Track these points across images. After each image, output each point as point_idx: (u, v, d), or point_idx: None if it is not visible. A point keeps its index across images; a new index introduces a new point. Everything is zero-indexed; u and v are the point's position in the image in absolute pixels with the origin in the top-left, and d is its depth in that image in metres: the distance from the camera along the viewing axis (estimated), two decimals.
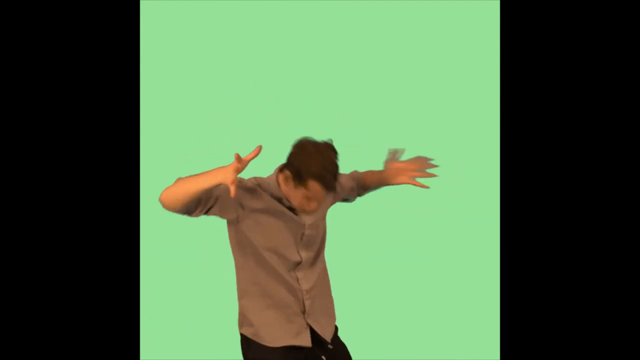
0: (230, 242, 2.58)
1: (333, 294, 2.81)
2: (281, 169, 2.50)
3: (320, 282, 2.67)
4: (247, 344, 2.60)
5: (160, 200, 2.37)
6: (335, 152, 2.46)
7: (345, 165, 4.60)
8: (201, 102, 4.46)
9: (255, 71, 4.47)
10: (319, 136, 2.54)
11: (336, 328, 2.77)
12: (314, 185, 2.42)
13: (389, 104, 4.58)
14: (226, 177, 2.24)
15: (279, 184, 2.49)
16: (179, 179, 2.38)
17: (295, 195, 2.46)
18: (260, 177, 2.55)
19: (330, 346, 2.64)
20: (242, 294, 2.60)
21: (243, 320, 2.61)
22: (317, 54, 4.51)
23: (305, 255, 2.58)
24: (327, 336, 2.65)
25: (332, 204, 2.73)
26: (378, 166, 4.53)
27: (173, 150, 4.39)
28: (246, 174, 2.57)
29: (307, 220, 2.56)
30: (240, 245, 2.54)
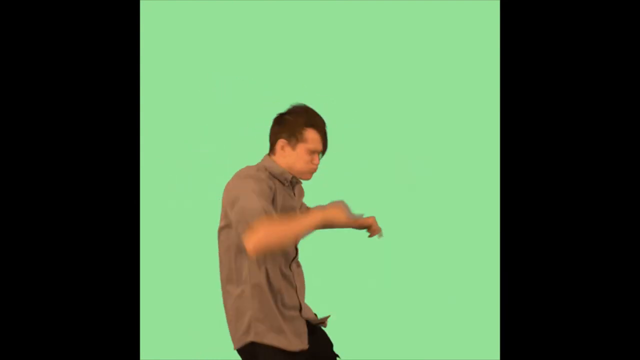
0: (223, 249, 2.49)
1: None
2: (271, 147, 2.54)
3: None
4: (255, 349, 2.49)
5: (256, 251, 2.23)
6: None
7: (346, 164, 4.59)
8: (201, 102, 4.46)
9: (255, 71, 4.46)
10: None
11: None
12: (311, 133, 2.46)
13: (389, 103, 4.57)
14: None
15: (274, 161, 2.51)
16: (271, 231, 2.24)
17: (298, 156, 2.48)
18: (254, 165, 2.52)
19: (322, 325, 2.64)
20: (249, 302, 2.47)
21: (250, 327, 2.48)
22: (317, 54, 4.51)
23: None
24: (315, 319, 2.64)
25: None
26: (378, 165, 4.52)
27: (173, 150, 4.39)
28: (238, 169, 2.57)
29: (297, 203, 2.56)
30: (241, 249, 2.46)
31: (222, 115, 4.42)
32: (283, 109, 2.55)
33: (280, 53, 4.51)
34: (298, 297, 2.55)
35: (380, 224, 4.46)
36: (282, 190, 2.51)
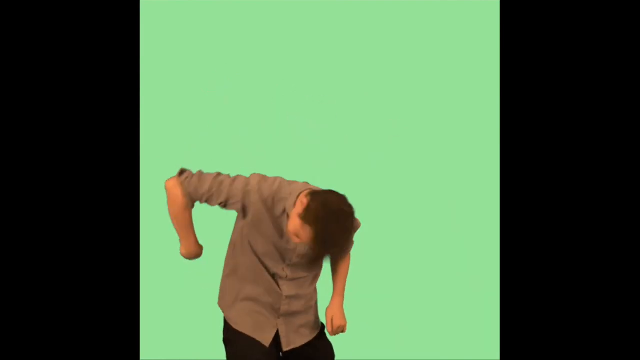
0: (236, 224, 2.63)
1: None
2: (306, 193, 2.42)
3: (304, 296, 2.67)
4: (225, 320, 2.67)
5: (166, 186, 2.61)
6: (348, 231, 2.38)
7: (346, 165, 4.58)
8: (201, 102, 4.46)
9: (256, 71, 4.46)
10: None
11: (322, 326, 2.78)
12: (308, 232, 2.36)
13: (389, 103, 4.57)
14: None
15: (294, 204, 2.44)
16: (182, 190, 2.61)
17: (293, 220, 2.39)
18: (285, 181, 2.51)
19: (280, 354, 2.63)
20: (228, 271, 2.67)
21: (221, 295, 2.70)
22: (316, 54, 4.51)
23: (290, 274, 2.60)
24: (288, 344, 2.64)
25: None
26: (377, 165, 4.53)
27: (173, 150, 4.39)
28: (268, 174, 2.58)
29: (299, 249, 2.56)
30: (242, 233, 2.58)
31: (222, 115, 4.41)
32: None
33: (280, 53, 4.51)
34: (276, 300, 2.62)
35: (380, 223, 4.45)
36: (271, 221, 2.52)
